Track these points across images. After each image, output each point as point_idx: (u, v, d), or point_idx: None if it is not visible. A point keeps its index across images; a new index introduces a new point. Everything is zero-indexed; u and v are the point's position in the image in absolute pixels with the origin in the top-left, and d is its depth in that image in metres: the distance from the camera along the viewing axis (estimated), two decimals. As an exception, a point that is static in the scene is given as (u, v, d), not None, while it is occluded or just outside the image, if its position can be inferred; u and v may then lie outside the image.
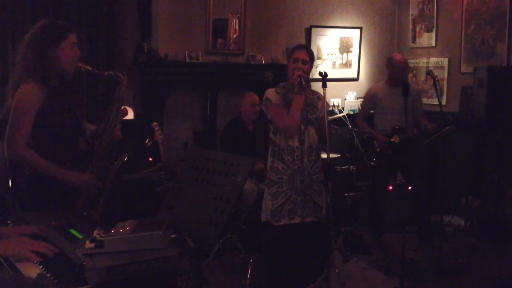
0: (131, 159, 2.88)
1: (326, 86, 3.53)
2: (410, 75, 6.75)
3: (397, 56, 5.25)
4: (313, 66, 3.75)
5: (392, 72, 5.16)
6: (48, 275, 1.79)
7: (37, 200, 2.79)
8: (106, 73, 2.98)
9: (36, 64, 2.76)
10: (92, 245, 1.87)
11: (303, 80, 3.53)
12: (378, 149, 5.08)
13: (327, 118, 3.51)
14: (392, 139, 4.98)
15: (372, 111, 5.33)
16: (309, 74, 3.74)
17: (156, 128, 4.54)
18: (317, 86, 3.96)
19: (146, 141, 4.67)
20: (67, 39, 2.82)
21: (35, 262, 1.87)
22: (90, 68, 2.91)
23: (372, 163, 5.14)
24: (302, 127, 3.62)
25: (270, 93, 3.68)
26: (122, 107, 2.95)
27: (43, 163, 2.76)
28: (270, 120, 3.74)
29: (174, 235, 2.03)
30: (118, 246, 1.88)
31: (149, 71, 5.42)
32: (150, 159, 4.79)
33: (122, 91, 2.91)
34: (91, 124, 3.14)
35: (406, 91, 4.72)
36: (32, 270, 1.82)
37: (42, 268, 1.84)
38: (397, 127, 4.97)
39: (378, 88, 5.31)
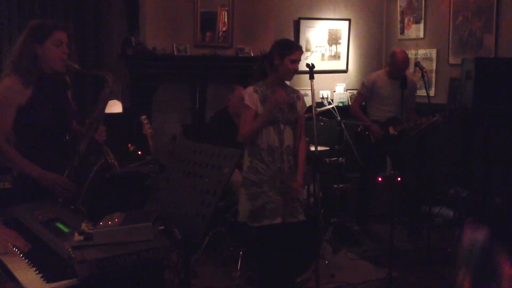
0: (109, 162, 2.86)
1: (313, 78, 3.52)
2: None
3: (400, 55, 5.09)
4: (301, 59, 3.70)
5: (392, 67, 5.12)
6: (34, 268, 1.78)
7: (25, 198, 2.76)
8: (93, 72, 2.95)
9: (18, 60, 2.75)
10: (81, 237, 1.87)
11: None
12: (372, 138, 5.11)
13: (303, 118, 3.55)
14: (389, 131, 5.01)
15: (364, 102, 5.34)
16: None
17: (145, 122, 4.52)
18: (305, 78, 3.94)
19: (129, 145, 4.64)
20: (51, 38, 2.79)
21: (21, 256, 1.87)
22: (78, 67, 2.89)
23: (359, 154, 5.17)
24: (282, 126, 3.56)
25: (248, 93, 3.58)
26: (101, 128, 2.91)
27: (20, 160, 2.74)
28: None
29: (162, 227, 2.04)
30: (107, 238, 1.88)
31: (137, 64, 5.39)
32: (139, 152, 4.78)
33: (107, 91, 2.88)
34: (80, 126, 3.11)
35: (403, 85, 4.75)
36: (17, 264, 1.82)
37: (27, 262, 1.84)
38: (392, 118, 5.01)
39: (378, 76, 5.26)
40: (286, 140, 3.57)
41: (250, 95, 3.55)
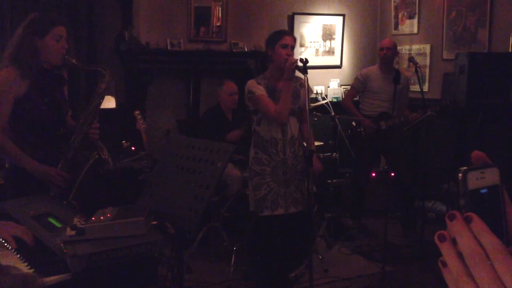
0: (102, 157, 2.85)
1: (306, 73, 3.50)
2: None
3: (384, 41, 5.35)
4: (296, 53, 3.73)
5: (379, 55, 5.24)
6: (26, 263, 1.77)
7: (17, 192, 2.75)
8: (90, 67, 2.95)
9: (17, 52, 2.74)
10: (73, 232, 1.86)
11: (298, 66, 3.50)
12: (363, 133, 5.12)
13: (309, 105, 3.51)
14: (380, 125, 5.03)
15: (358, 96, 5.37)
16: None
17: (139, 117, 4.51)
18: (299, 74, 3.93)
19: (123, 142, 4.62)
20: (52, 32, 2.79)
21: (12, 250, 1.86)
22: (75, 62, 2.89)
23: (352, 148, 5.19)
24: None
25: (252, 85, 3.58)
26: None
27: (15, 151, 2.73)
28: (254, 111, 3.67)
29: (155, 222, 2.03)
30: (100, 233, 1.87)
31: (131, 59, 5.37)
32: (133, 148, 4.76)
33: (104, 86, 2.88)
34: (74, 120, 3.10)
35: (397, 79, 4.79)
36: (9, 259, 1.80)
37: (19, 257, 1.82)
38: (383, 113, 5.03)
39: (371, 71, 5.31)
40: (289, 131, 3.59)
41: (255, 86, 3.56)
